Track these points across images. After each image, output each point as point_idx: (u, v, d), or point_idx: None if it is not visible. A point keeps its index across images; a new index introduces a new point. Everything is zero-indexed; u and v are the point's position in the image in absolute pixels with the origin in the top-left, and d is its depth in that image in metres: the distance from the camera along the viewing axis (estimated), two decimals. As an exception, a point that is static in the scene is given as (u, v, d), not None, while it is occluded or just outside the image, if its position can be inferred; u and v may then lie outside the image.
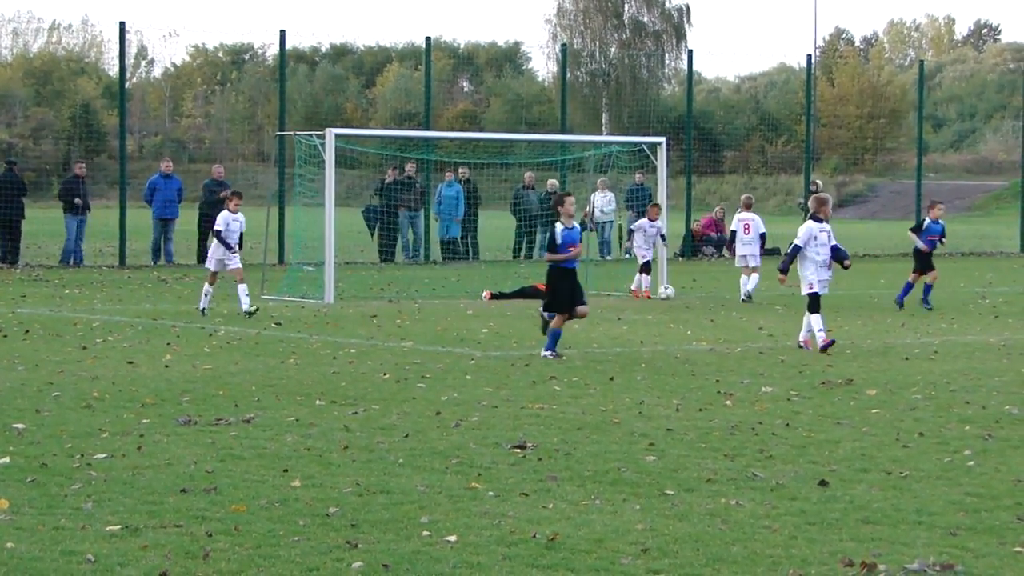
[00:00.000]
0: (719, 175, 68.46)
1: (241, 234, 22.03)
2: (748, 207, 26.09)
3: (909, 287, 24.11)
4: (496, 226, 37.78)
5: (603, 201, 37.13)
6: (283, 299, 24.10)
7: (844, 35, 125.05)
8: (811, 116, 44.13)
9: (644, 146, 28.36)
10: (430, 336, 18.52)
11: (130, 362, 15.47)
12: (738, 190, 71.43)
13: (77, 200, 31.85)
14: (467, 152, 42.44)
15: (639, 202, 37.44)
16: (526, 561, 7.62)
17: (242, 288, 21.24)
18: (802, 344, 17.63)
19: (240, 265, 21.65)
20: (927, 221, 24.38)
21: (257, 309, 21.32)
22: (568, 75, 43.45)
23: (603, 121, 70.39)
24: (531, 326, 19.85)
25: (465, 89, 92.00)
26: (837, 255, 17.72)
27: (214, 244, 21.92)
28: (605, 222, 37.44)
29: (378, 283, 27.64)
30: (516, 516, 8.57)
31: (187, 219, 33.89)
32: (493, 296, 24.77)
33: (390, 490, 9.22)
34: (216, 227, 21.91)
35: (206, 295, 21.65)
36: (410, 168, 35.45)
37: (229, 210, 21.97)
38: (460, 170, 36.64)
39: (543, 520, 8.49)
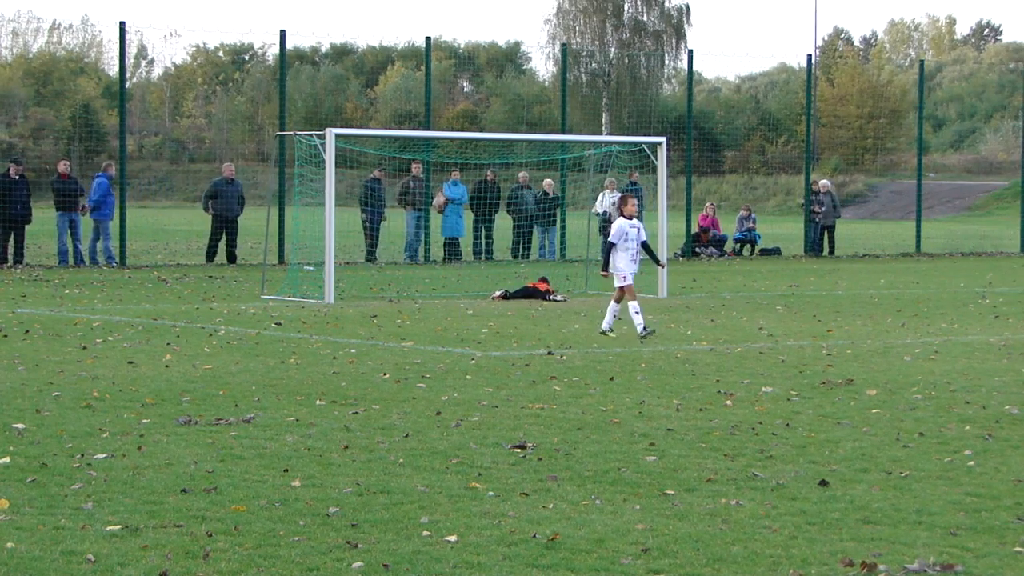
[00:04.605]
0: (719, 175, 68.54)
1: (644, 242, 18.76)
2: None
3: None
4: (496, 226, 37.76)
5: (612, 201, 37.07)
6: (283, 299, 24.09)
7: (844, 35, 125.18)
8: (811, 116, 44.11)
9: (644, 146, 28.34)
10: (430, 336, 18.51)
11: (130, 362, 15.47)
12: (738, 190, 71.67)
13: (84, 206, 31.69)
14: (467, 152, 42.43)
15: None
16: (526, 561, 7.61)
17: (632, 306, 18.28)
18: None
19: (632, 281, 18.54)
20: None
21: (653, 331, 18.35)
22: (568, 75, 43.45)
23: (603, 121, 70.40)
24: (531, 326, 19.84)
25: (465, 89, 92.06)
26: None
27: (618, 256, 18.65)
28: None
29: (378, 283, 27.64)
30: (516, 516, 8.57)
31: (194, 219, 33.85)
32: (503, 296, 24.71)
33: (390, 490, 9.22)
34: (610, 239, 18.71)
35: (614, 315, 18.65)
36: (416, 169, 35.49)
37: (624, 215, 18.60)
38: (488, 173, 36.71)
39: (543, 520, 8.48)
